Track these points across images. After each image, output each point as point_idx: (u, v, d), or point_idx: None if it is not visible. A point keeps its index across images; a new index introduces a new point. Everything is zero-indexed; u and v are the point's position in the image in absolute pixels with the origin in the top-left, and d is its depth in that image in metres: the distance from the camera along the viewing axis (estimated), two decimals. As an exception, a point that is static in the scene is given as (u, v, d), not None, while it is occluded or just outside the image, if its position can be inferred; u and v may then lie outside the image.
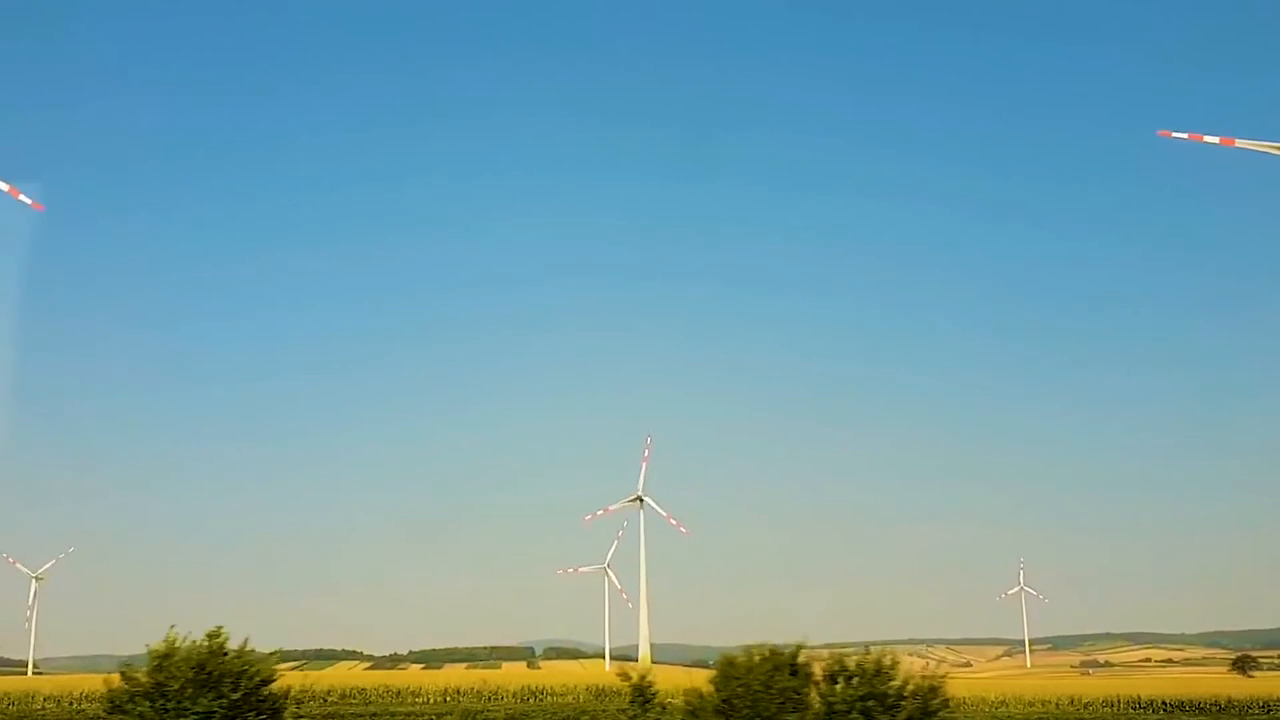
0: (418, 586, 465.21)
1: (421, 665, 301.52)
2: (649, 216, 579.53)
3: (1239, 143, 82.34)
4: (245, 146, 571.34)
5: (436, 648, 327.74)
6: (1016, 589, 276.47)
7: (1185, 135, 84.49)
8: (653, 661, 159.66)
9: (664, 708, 41.30)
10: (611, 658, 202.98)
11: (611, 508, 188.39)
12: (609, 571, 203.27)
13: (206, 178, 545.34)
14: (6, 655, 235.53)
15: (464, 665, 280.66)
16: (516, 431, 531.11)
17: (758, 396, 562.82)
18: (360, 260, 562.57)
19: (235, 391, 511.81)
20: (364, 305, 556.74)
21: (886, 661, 24.41)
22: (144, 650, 30.00)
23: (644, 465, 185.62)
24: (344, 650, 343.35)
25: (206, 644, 29.29)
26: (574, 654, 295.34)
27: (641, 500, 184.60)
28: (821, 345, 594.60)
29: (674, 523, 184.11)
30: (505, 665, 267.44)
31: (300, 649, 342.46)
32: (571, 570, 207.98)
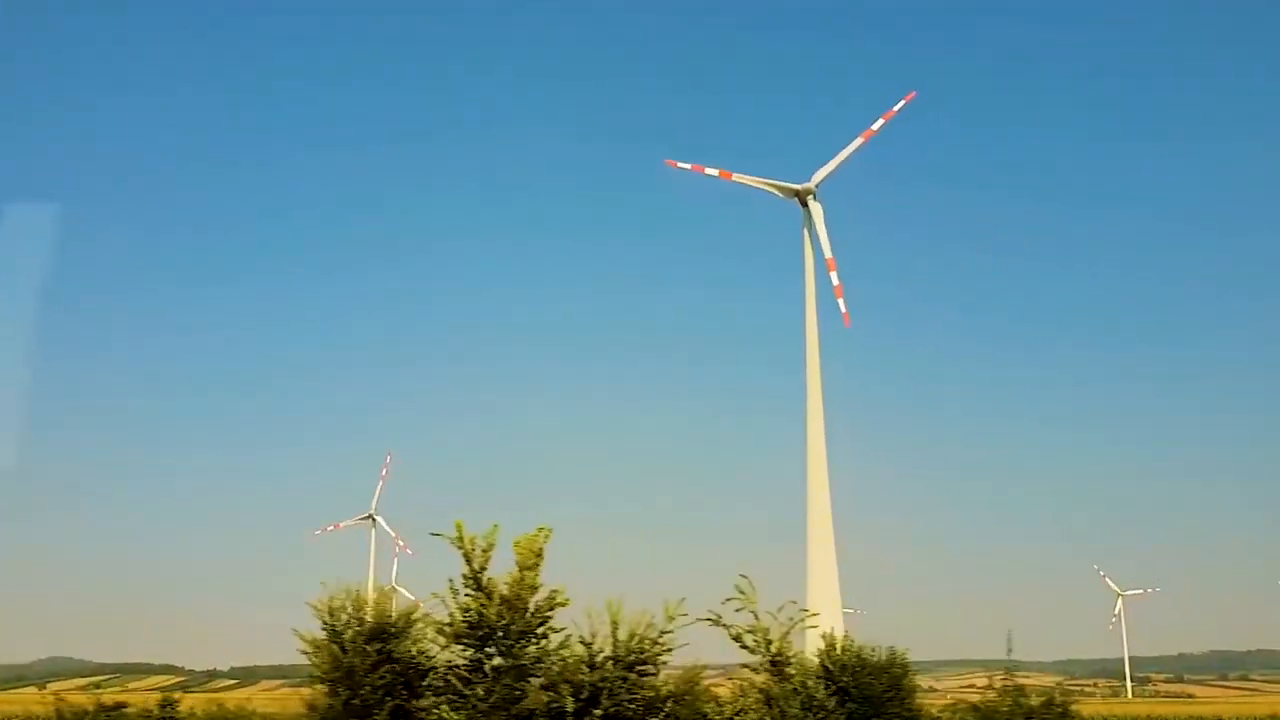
0: (234, 600, 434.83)
1: (237, 681, 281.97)
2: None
3: (736, 176, 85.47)
4: (245, 156, 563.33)
5: (257, 664, 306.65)
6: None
7: (689, 166, 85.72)
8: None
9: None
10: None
11: (343, 524, 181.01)
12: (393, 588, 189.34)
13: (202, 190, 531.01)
14: None
15: (280, 681, 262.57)
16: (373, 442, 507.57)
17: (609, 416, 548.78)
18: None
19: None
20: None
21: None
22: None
23: (380, 484, 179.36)
24: (160, 665, 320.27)
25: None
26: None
27: (374, 520, 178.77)
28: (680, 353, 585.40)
29: (401, 544, 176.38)
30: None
31: (113, 662, 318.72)
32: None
